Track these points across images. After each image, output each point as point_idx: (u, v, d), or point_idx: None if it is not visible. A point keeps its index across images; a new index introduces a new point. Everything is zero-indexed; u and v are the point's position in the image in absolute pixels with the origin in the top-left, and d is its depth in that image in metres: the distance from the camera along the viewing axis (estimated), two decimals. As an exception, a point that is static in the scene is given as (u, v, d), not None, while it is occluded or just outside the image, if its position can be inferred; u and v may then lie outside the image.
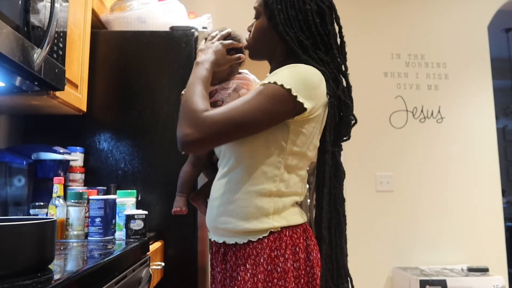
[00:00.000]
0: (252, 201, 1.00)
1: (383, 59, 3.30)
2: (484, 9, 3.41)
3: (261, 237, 0.99)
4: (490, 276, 2.76)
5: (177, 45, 1.95)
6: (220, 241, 1.08)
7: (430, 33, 3.37)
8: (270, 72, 1.15)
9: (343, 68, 1.12)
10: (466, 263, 2.98)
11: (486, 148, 3.26)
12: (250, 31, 1.15)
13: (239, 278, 1.00)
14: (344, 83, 1.11)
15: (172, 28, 1.97)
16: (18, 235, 0.84)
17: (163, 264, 1.73)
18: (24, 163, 1.53)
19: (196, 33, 1.96)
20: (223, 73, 1.17)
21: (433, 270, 2.89)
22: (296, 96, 0.96)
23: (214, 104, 1.14)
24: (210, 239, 1.21)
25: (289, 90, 0.96)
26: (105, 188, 1.77)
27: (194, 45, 1.95)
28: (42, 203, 1.46)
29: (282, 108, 0.96)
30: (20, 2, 1.10)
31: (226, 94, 1.16)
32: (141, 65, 1.95)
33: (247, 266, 0.99)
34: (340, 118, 1.10)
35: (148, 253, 1.48)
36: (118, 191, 1.66)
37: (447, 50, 3.35)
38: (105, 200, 1.53)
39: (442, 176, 3.17)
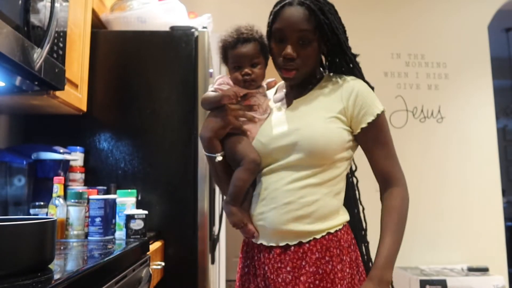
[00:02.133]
0: (329, 203, 1.07)
1: (383, 59, 3.30)
2: (484, 9, 3.41)
3: (336, 229, 1.07)
4: (490, 276, 2.76)
5: (177, 45, 1.95)
6: (283, 244, 1.07)
7: (430, 33, 3.37)
8: (295, 86, 1.17)
9: None
10: (466, 263, 2.98)
11: (486, 147, 3.26)
12: (290, 58, 1.08)
13: (328, 271, 1.03)
14: None
15: (172, 28, 1.97)
16: (18, 235, 0.84)
17: (163, 264, 1.73)
18: (24, 162, 1.53)
19: (196, 33, 1.96)
20: (261, 80, 1.16)
21: (433, 270, 2.89)
22: None
23: (249, 108, 1.14)
24: (245, 244, 1.18)
25: (384, 110, 1.11)
26: (105, 188, 1.77)
27: (194, 45, 1.95)
28: (42, 203, 1.46)
29: None
30: (20, 1, 1.10)
31: (263, 99, 1.16)
32: (141, 65, 1.95)
33: (333, 258, 1.04)
34: None
35: (148, 253, 1.48)
36: (118, 191, 1.66)
37: (447, 50, 3.35)
38: (105, 200, 1.53)
39: (442, 175, 3.17)
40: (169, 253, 1.83)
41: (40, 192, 1.57)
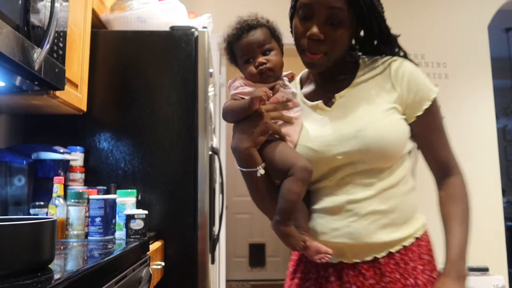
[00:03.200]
0: (408, 202, 0.97)
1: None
2: (484, 9, 3.41)
3: (422, 233, 0.98)
4: (490, 276, 2.76)
5: (177, 45, 1.95)
6: (369, 258, 0.94)
7: (430, 33, 3.37)
8: (327, 76, 1.02)
9: None
10: (466, 262, 2.98)
11: (486, 147, 3.26)
12: (317, 39, 0.92)
13: (425, 281, 0.93)
14: None
15: (172, 28, 1.97)
16: (18, 234, 0.84)
17: (163, 263, 1.73)
18: (24, 162, 1.53)
19: (196, 33, 1.96)
20: (280, 69, 0.99)
21: (433, 270, 2.89)
22: None
23: (282, 106, 0.97)
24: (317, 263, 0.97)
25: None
26: (105, 187, 1.77)
27: (194, 45, 1.95)
28: (42, 203, 1.46)
29: None
30: (20, 1, 1.10)
31: (290, 92, 1.00)
32: (141, 65, 1.95)
33: (419, 266, 0.94)
34: None
35: (148, 253, 1.48)
36: (118, 191, 1.66)
37: (447, 50, 3.35)
38: (105, 199, 1.53)
39: (442, 176, 3.17)
40: (169, 253, 1.83)
41: (40, 192, 1.57)
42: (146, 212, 1.56)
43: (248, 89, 0.96)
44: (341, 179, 0.94)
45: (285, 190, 0.91)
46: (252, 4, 3.25)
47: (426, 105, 0.95)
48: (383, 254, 0.93)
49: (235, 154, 0.95)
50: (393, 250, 0.93)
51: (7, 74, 1.20)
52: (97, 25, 2.01)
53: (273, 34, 0.98)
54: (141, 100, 1.92)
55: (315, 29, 0.90)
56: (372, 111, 0.94)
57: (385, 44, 1.00)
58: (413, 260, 0.93)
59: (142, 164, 1.89)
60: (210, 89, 2.05)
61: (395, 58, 0.99)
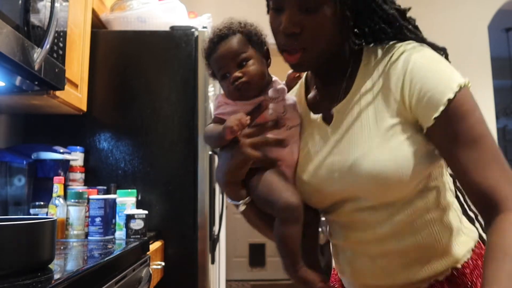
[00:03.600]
0: (438, 232, 0.75)
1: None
2: (484, 9, 3.41)
3: (464, 260, 0.76)
4: (490, 276, 2.75)
5: (177, 45, 1.95)
6: None
7: (430, 33, 3.36)
8: (325, 78, 0.83)
9: None
10: (466, 263, 2.98)
11: (486, 148, 3.26)
12: (290, 33, 0.73)
13: None
14: None
15: (172, 27, 1.97)
16: (18, 234, 0.84)
17: (163, 263, 1.73)
18: (24, 162, 1.53)
19: (196, 33, 1.96)
20: (261, 80, 0.82)
21: (433, 270, 2.88)
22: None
23: (271, 126, 0.80)
24: None
25: (468, 83, 0.72)
26: (105, 187, 1.77)
27: (194, 45, 1.95)
28: (42, 203, 1.46)
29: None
30: (20, 1, 1.10)
31: (282, 108, 0.82)
32: (141, 65, 1.95)
33: None
34: None
35: (148, 253, 1.48)
36: (118, 191, 1.66)
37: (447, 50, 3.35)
38: (105, 199, 1.53)
39: (442, 176, 3.17)
40: (169, 253, 1.83)
41: (40, 192, 1.57)
42: (146, 212, 1.56)
43: (229, 108, 0.82)
44: (350, 214, 0.77)
45: (277, 236, 0.78)
46: (252, 4, 3.24)
47: (436, 111, 0.67)
48: None
49: (219, 185, 0.84)
50: (422, 286, 0.76)
51: (7, 74, 1.20)
52: (97, 25, 2.01)
53: (250, 39, 0.82)
54: (141, 100, 1.92)
55: (286, 21, 0.72)
56: (371, 133, 0.73)
57: (389, 26, 0.76)
58: None
59: (142, 164, 1.89)
60: (210, 89, 2.05)
61: (403, 47, 0.74)
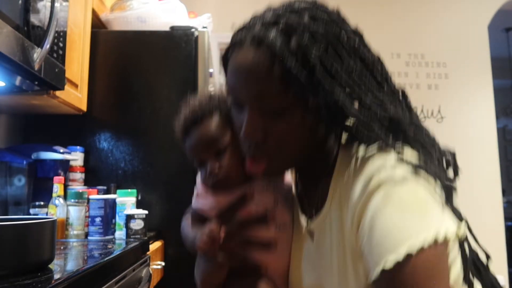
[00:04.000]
0: None
1: (383, 58, 3.30)
2: (484, 9, 3.41)
3: None
4: (490, 276, 2.76)
5: (177, 45, 1.95)
6: None
7: (430, 33, 3.37)
8: (307, 176, 0.71)
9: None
10: (466, 262, 2.98)
11: (486, 147, 3.26)
12: (251, 140, 0.62)
13: None
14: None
15: (172, 27, 1.97)
16: (18, 234, 0.84)
17: (163, 263, 1.73)
18: (24, 162, 1.53)
19: (196, 33, 1.96)
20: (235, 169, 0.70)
21: (433, 270, 2.88)
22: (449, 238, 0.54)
23: (250, 222, 0.68)
24: None
25: (447, 241, 0.53)
26: (105, 187, 1.77)
27: (194, 45, 1.95)
28: (42, 203, 1.46)
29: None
30: (20, 1, 1.10)
31: (271, 200, 0.70)
32: (141, 65, 1.95)
33: None
34: None
35: (148, 253, 1.48)
36: (118, 191, 1.66)
37: (447, 50, 3.35)
38: (105, 199, 1.53)
39: (442, 175, 3.17)
40: (169, 253, 1.82)
41: (40, 192, 1.57)
42: (146, 212, 1.56)
43: (208, 200, 0.72)
44: None
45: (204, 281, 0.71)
46: (252, 4, 3.24)
47: (374, 274, 0.53)
48: None
49: None
50: None
51: (7, 74, 1.20)
52: (97, 25, 2.01)
53: (231, 119, 0.67)
54: (141, 100, 1.92)
55: (246, 127, 0.60)
56: (333, 267, 0.61)
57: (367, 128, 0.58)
58: None
59: (142, 164, 1.89)
60: (210, 89, 2.05)
61: (378, 177, 0.55)
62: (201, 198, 0.73)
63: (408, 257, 0.50)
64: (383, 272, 0.51)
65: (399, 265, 0.50)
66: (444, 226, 0.53)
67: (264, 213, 0.67)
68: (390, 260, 0.51)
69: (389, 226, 0.53)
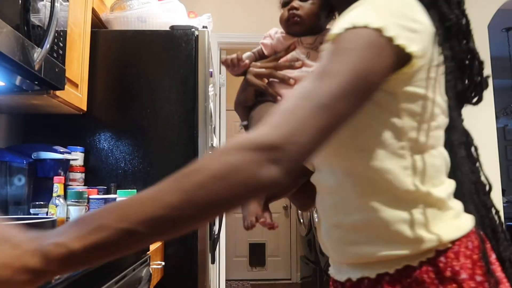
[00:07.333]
0: (384, 218, 0.63)
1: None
2: (484, 9, 3.41)
3: (421, 261, 0.60)
4: (490, 276, 2.75)
5: (177, 45, 1.95)
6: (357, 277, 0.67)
7: (430, 33, 3.36)
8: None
9: None
10: (466, 262, 2.98)
11: (486, 147, 3.26)
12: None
13: None
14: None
15: (172, 27, 1.97)
16: (18, 234, 0.84)
17: (163, 263, 1.73)
18: (24, 162, 1.53)
19: (196, 33, 1.96)
20: (310, 21, 0.86)
21: (433, 270, 2.88)
22: (392, 39, 0.57)
23: (282, 63, 0.86)
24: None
25: (380, 31, 0.56)
26: (105, 187, 1.77)
27: (194, 44, 1.95)
28: (42, 203, 1.46)
29: (379, 63, 0.56)
30: (20, 1, 1.10)
31: (306, 53, 0.85)
32: (141, 65, 1.95)
33: None
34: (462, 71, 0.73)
35: (148, 252, 1.48)
36: (118, 191, 1.66)
37: None
38: (105, 199, 1.53)
39: (442, 175, 3.17)
40: (169, 253, 1.83)
41: (40, 191, 1.57)
42: (146, 211, 1.55)
43: (269, 41, 0.90)
44: (315, 173, 0.76)
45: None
46: (252, 4, 3.23)
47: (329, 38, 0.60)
48: (358, 276, 0.66)
49: None
50: (369, 274, 0.64)
51: (7, 74, 1.20)
52: (97, 25, 2.01)
53: None
54: (141, 100, 1.92)
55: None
56: None
57: None
58: None
59: (142, 164, 1.89)
60: (210, 88, 2.05)
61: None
62: (266, 39, 0.89)
63: (350, 28, 0.57)
64: (337, 36, 0.58)
65: (340, 36, 0.58)
66: (397, 31, 0.57)
67: (295, 59, 0.85)
68: (342, 27, 0.58)
69: (349, 14, 0.60)
